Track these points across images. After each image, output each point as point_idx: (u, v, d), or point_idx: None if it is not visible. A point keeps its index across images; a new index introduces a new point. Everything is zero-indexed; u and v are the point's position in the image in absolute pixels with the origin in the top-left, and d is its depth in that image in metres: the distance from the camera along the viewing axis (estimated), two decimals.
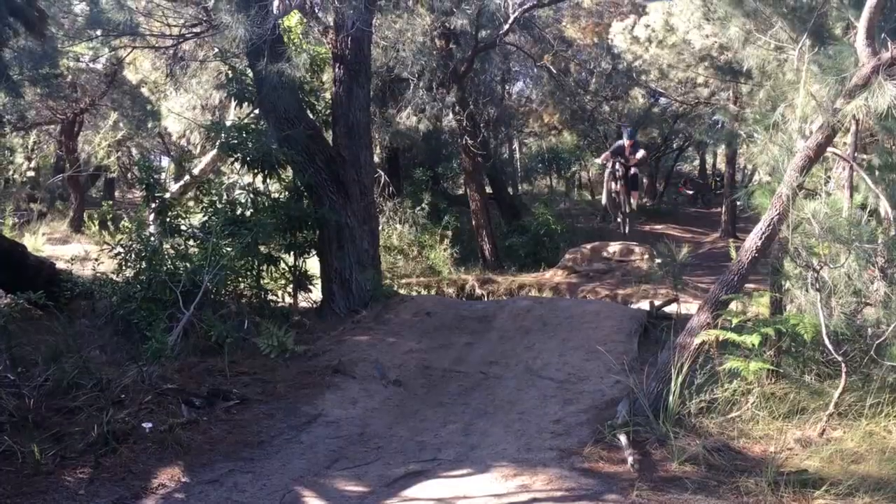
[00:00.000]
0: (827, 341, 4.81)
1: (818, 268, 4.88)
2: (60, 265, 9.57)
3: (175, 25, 9.81)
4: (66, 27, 10.43)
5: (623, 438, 4.76)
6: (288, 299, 9.68)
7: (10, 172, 16.63)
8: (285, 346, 7.23)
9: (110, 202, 18.20)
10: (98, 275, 8.13)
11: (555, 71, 16.88)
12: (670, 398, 4.94)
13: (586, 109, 18.71)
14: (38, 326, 7.21)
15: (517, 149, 28.40)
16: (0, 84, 7.27)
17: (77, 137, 17.51)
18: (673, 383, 4.94)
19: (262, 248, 8.82)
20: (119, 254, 7.90)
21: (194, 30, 9.62)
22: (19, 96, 8.13)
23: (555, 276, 14.02)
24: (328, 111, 10.16)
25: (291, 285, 9.66)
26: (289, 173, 9.63)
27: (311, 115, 9.84)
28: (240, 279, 8.52)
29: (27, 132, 16.29)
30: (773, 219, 4.95)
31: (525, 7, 13.72)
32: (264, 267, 9.11)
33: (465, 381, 6.92)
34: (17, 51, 8.00)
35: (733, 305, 5.43)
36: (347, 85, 9.35)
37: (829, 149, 5.15)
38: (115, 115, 17.18)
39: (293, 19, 10.57)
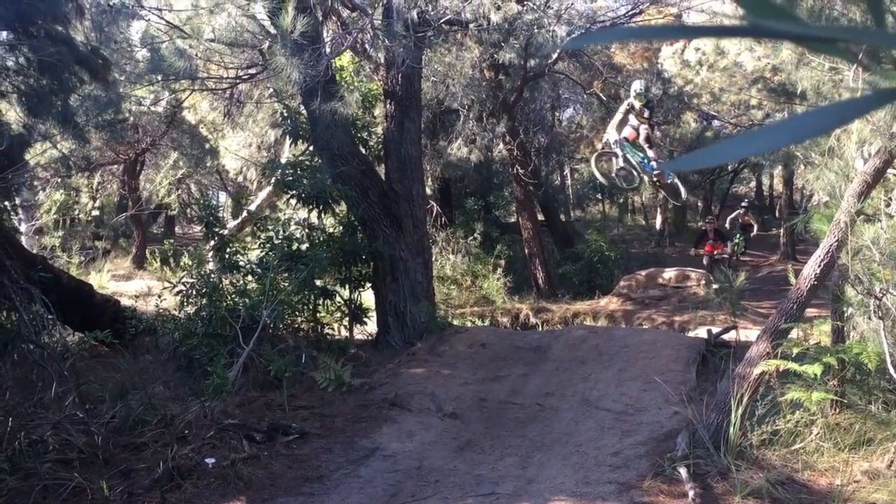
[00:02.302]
0: (892, 369, 4.68)
1: (880, 294, 4.77)
2: (125, 302, 9.88)
3: (232, 68, 10.11)
4: (127, 71, 10.84)
5: (683, 471, 4.69)
6: (344, 332, 9.80)
7: (76, 212, 17.23)
8: (342, 380, 7.31)
9: (171, 239, 18.71)
10: (161, 311, 8.37)
11: (605, 97, 16.86)
12: (731, 430, 4.86)
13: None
14: (104, 363, 7.45)
15: (569, 175, 28.36)
16: (67, 131, 7.55)
17: (139, 177, 18.14)
18: (733, 414, 4.87)
19: (317, 283, 8.97)
20: (180, 291, 8.12)
21: (250, 71, 9.91)
22: (86, 142, 8.46)
23: (610, 303, 13.91)
24: (380, 146, 10.34)
25: (347, 318, 9.78)
26: (343, 208, 9.80)
27: (363, 151, 10.02)
28: (297, 313, 8.66)
29: (92, 173, 16.88)
30: (831, 245, 4.87)
31: (573, 36, 13.75)
32: (320, 301, 9.25)
33: (522, 413, 6.90)
34: (83, 97, 8.32)
35: (793, 334, 5.33)
36: (398, 120, 9.51)
37: (890, 170, 5.06)
38: (174, 154, 17.75)
39: (345, 59, 10.81)
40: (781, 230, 20.15)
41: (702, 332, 9.71)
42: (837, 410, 5.12)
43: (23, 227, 12.67)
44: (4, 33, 7.29)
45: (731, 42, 13.85)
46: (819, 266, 4.96)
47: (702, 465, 4.79)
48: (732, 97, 15.58)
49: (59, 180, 15.05)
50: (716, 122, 20.72)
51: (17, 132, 6.89)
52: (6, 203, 8.13)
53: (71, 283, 8.60)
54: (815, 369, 4.73)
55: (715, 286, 11.97)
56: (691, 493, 4.39)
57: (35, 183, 13.11)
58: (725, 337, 8.90)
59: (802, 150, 8.37)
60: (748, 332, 8.90)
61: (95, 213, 17.94)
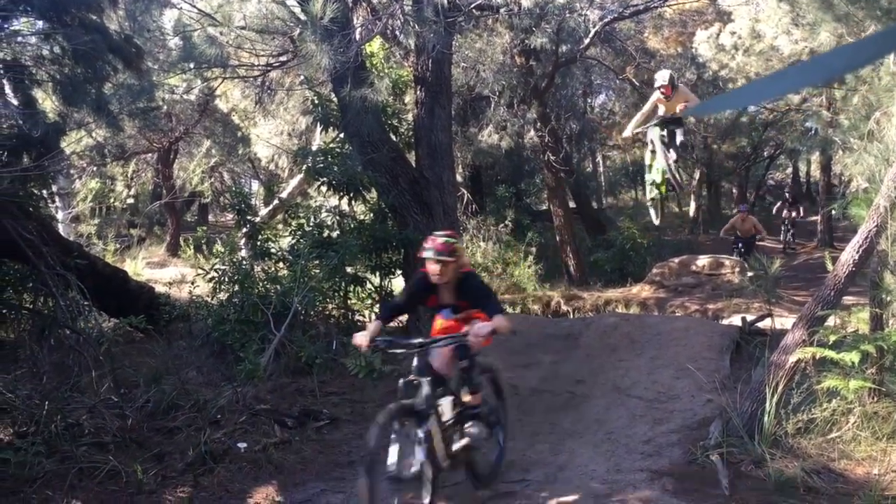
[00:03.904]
0: None
1: None
2: (159, 288, 9.99)
3: (262, 55, 10.15)
4: (160, 60, 10.94)
5: (716, 460, 4.63)
6: (374, 319, 9.80)
7: (112, 200, 17.46)
8: (373, 366, 7.32)
9: (204, 227, 18.90)
10: (194, 298, 8.45)
11: (637, 83, 16.66)
12: (765, 418, 4.79)
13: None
14: (139, 349, 7.54)
15: (600, 162, 28.15)
16: (101, 119, 7.62)
17: (173, 165, 18.33)
18: (768, 403, 4.79)
19: (348, 269, 8.98)
20: (213, 277, 8.19)
21: (281, 59, 9.94)
22: (120, 130, 8.54)
23: (642, 291, 13.78)
24: (410, 133, 10.32)
25: (378, 305, 9.79)
26: (373, 195, 9.81)
27: (393, 138, 10.01)
28: (327, 300, 8.69)
29: (126, 161, 17.09)
30: (870, 231, 4.76)
31: (606, 21, 13.60)
32: (351, 288, 9.27)
33: (552, 400, 6.86)
34: (117, 86, 8.38)
35: (830, 321, 5.23)
36: (429, 106, 9.47)
37: None
38: (207, 142, 17.91)
39: (375, 45, 10.80)
40: (819, 216, 19.83)
41: (736, 320, 9.58)
42: (875, 399, 5.01)
43: (59, 215, 12.85)
44: (40, 23, 7.36)
45: (767, 25, 13.58)
46: (858, 252, 4.85)
47: (735, 454, 4.73)
48: None
49: (95, 169, 15.26)
50: (751, 108, 20.41)
51: (52, 120, 6.96)
52: (43, 191, 8.25)
53: (106, 270, 8.70)
54: (852, 357, 4.64)
55: (750, 273, 11.80)
56: (725, 482, 4.33)
57: (71, 171, 13.29)
58: (760, 325, 8.77)
59: (841, 135, 8.19)
60: (784, 320, 8.76)
61: (130, 201, 18.17)
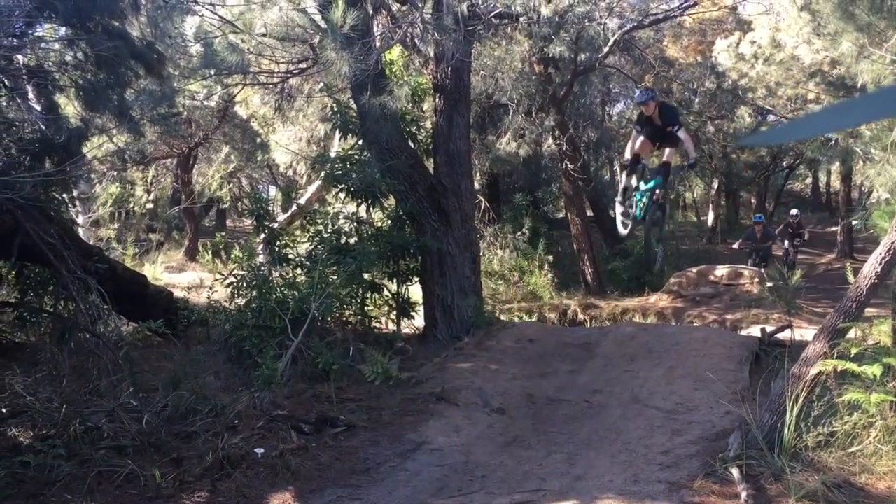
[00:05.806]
0: None
1: None
2: (177, 293, 10.04)
3: (283, 62, 10.22)
4: (181, 66, 11.03)
5: (735, 472, 4.59)
6: (391, 326, 9.83)
7: (131, 205, 17.60)
8: (389, 373, 7.33)
9: (223, 232, 19.01)
10: (212, 303, 8.49)
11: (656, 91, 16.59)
12: (785, 431, 4.73)
13: (690, 129, 18.33)
14: (157, 353, 7.59)
15: (618, 171, 28.01)
16: (123, 124, 7.69)
17: (192, 170, 18.46)
18: (788, 415, 4.74)
19: (366, 276, 9.00)
20: (231, 283, 8.22)
21: (301, 66, 10.00)
22: (141, 136, 8.62)
23: (659, 300, 13.71)
24: (429, 140, 10.33)
25: (395, 312, 9.80)
26: (391, 202, 9.83)
27: (412, 145, 10.03)
28: (345, 306, 8.71)
29: (146, 166, 17.23)
30: (893, 243, 4.71)
31: (625, 29, 13.57)
32: (368, 294, 9.29)
33: (569, 409, 6.83)
34: (138, 92, 8.46)
35: (852, 333, 5.17)
36: (448, 114, 9.49)
37: None
38: (226, 148, 18.03)
39: (395, 53, 10.83)
40: (839, 227, 19.67)
41: (755, 331, 9.51)
42: None
43: (80, 219, 12.96)
44: (63, 29, 7.45)
45: (788, 34, 13.50)
46: (880, 264, 4.79)
47: (755, 467, 4.68)
48: (789, 91, 15.18)
49: (115, 173, 15.39)
50: (771, 117, 20.30)
51: (75, 126, 7.03)
52: (64, 195, 8.32)
53: (126, 275, 8.76)
54: (874, 370, 4.59)
55: (769, 284, 11.71)
56: (744, 495, 4.29)
57: (92, 176, 13.41)
58: (780, 336, 8.69)
59: (862, 146, 8.12)
60: (803, 332, 8.68)
61: (150, 205, 18.34)
